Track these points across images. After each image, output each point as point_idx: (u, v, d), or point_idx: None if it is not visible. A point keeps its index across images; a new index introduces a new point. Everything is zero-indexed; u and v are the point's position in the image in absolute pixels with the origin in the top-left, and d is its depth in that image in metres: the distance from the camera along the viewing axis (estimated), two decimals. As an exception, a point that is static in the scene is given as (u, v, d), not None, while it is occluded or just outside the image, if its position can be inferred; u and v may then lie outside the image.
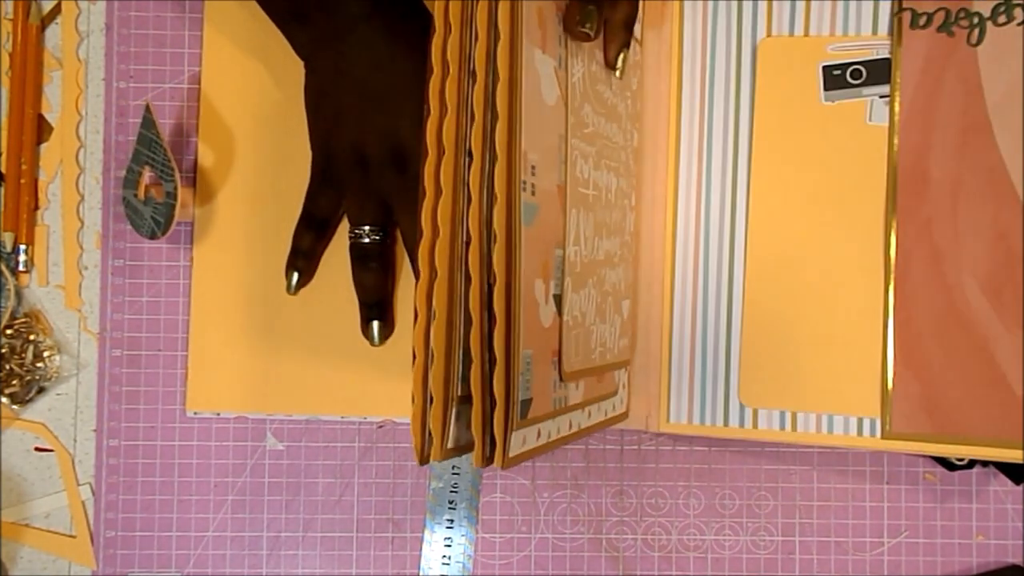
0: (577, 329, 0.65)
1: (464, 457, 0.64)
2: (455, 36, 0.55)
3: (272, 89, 0.83)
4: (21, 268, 0.83)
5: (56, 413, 0.84)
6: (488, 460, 0.55)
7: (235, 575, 0.83)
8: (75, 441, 0.84)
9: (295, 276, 0.80)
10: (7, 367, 0.82)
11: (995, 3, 0.74)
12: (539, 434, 0.59)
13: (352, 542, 0.83)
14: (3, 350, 0.82)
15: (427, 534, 0.82)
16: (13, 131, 0.83)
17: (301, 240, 0.80)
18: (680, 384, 0.79)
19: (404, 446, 0.83)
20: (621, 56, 0.70)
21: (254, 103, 0.83)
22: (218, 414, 0.83)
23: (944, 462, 0.81)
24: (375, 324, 0.80)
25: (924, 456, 0.82)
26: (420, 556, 0.82)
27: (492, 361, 0.54)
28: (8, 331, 0.82)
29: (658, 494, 0.83)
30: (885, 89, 0.76)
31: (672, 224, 0.79)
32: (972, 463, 0.81)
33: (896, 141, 0.76)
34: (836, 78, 0.77)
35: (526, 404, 0.56)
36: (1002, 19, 0.74)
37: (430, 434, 0.56)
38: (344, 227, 0.81)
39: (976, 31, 0.74)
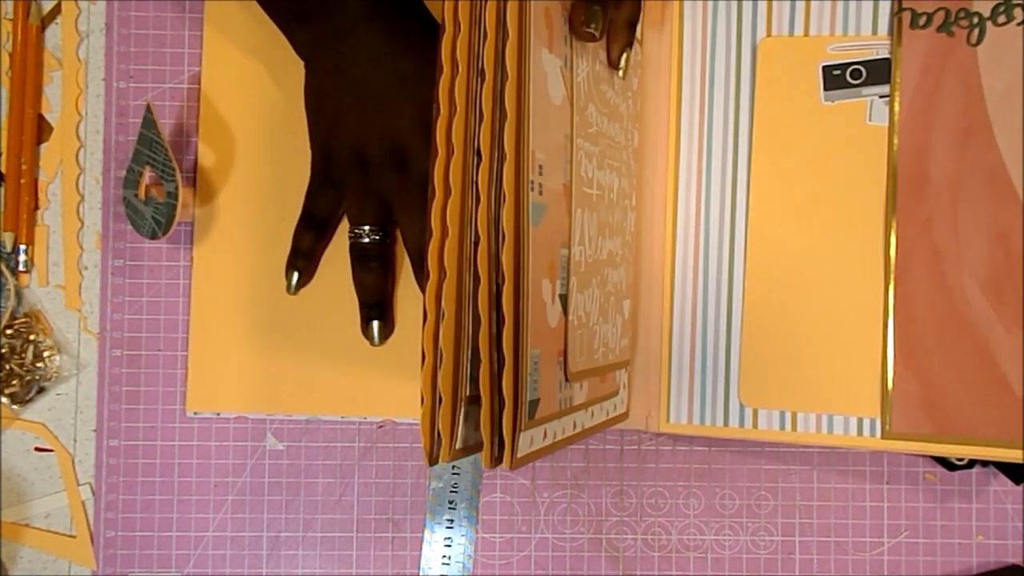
0: (582, 329, 0.65)
1: (464, 457, 0.64)
2: (464, 35, 0.55)
3: (272, 89, 0.83)
4: (21, 268, 0.83)
5: (56, 413, 0.83)
6: (497, 460, 0.55)
7: (235, 575, 0.83)
8: (75, 441, 0.83)
9: (295, 276, 0.80)
10: (7, 367, 0.82)
11: (995, 3, 0.74)
12: (545, 434, 0.59)
13: (352, 542, 0.83)
14: (3, 350, 0.82)
15: (427, 534, 0.82)
16: (13, 131, 0.82)
17: (301, 240, 0.80)
18: (680, 384, 0.79)
19: (404, 446, 0.83)
20: (624, 56, 0.70)
21: (254, 103, 0.83)
22: (218, 414, 0.83)
23: (944, 462, 0.81)
24: (375, 324, 0.80)
25: (924, 456, 0.82)
26: (420, 556, 0.82)
27: (501, 361, 0.54)
28: (8, 331, 0.82)
29: (658, 494, 0.83)
30: (885, 89, 0.76)
31: (672, 224, 0.79)
32: (972, 463, 0.81)
33: (896, 141, 0.76)
34: (836, 78, 0.77)
35: (534, 404, 0.56)
36: (1002, 19, 0.74)
37: (439, 435, 0.56)
38: (344, 227, 0.81)
39: (976, 31, 0.75)
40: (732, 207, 0.78)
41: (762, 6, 0.78)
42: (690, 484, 0.83)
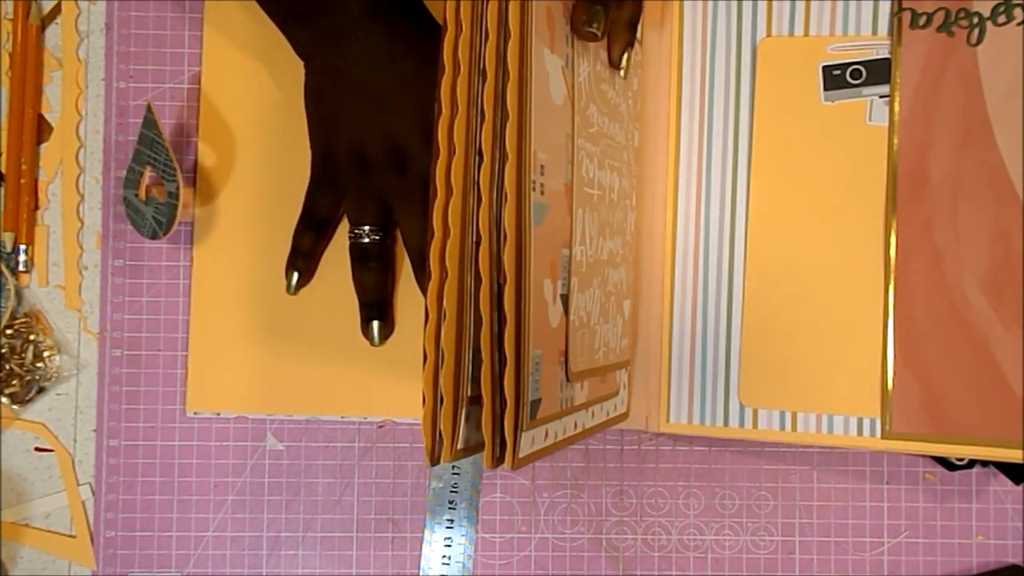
0: (583, 329, 0.65)
1: (465, 457, 0.64)
2: (465, 35, 0.55)
3: (272, 89, 0.83)
4: (21, 268, 0.83)
5: (56, 413, 0.83)
6: (498, 461, 0.55)
7: (235, 575, 0.83)
8: (75, 441, 0.83)
9: (295, 276, 0.80)
10: (7, 367, 0.82)
11: (995, 3, 0.74)
12: (546, 434, 0.59)
13: (352, 542, 0.83)
14: (3, 350, 0.82)
15: (427, 534, 0.82)
16: (13, 131, 0.82)
17: (301, 240, 0.80)
18: (680, 384, 0.79)
19: (404, 446, 0.83)
20: (625, 56, 0.70)
21: (254, 103, 0.83)
22: (218, 414, 0.83)
23: (944, 462, 0.82)
24: (375, 324, 0.80)
25: (924, 456, 0.82)
26: (420, 556, 0.82)
27: (502, 361, 0.54)
28: (8, 331, 0.82)
29: (658, 494, 0.83)
30: (885, 89, 0.76)
31: (672, 224, 0.79)
32: (972, 463, 0.81)
33: (896, 141, 0.76)
34: (836, 78, 0.77)
35: (535, 404, 0.56)
36: (1002, 19, 0.74)
37: (440, 435, 0.56)
38: (344, 227, 0.81)
39: (976, 31, 0.75)
40: (732, 207, 0.78)
41: (762, 6, 0.78)
42: (690, 484, 0.83)
